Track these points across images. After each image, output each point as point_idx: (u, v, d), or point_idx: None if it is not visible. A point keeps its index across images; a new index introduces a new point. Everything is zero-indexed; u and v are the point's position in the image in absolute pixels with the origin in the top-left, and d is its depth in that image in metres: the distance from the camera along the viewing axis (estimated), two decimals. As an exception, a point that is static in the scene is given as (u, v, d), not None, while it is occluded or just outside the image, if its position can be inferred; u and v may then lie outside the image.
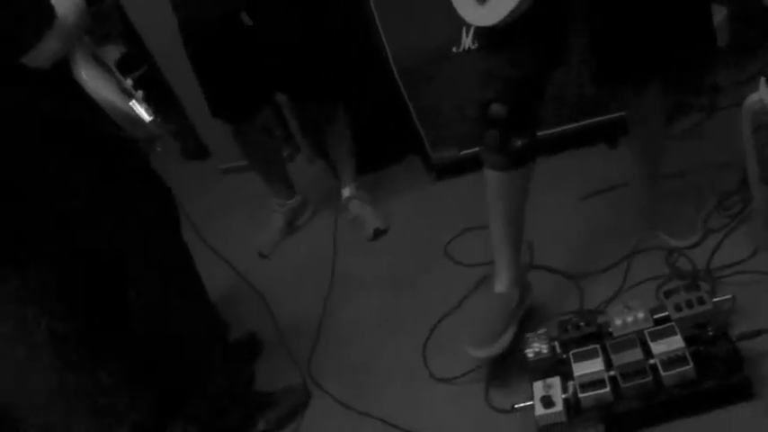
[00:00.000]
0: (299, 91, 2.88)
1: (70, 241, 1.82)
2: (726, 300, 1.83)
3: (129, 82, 1.82)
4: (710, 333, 1.70)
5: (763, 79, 1.75)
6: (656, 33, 1.84)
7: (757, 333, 1.70)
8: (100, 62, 1.76)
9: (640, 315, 1.83)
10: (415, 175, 3.13)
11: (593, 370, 1.74)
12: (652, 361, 1.70)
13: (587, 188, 2.55)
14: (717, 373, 1.66)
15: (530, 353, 1.87)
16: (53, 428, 2.05)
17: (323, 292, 2.67)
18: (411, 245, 2.74)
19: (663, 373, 1.68)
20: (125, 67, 1.83)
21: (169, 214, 2.05)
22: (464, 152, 2.83)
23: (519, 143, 1.85)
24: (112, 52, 1.83)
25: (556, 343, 1.89)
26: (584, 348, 1.80)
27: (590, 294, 2.14)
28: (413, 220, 2.89)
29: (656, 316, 1.83)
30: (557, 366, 1.83)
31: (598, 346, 1.79)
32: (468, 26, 2.61)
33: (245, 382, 2.28)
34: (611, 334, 1.84)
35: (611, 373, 1.72)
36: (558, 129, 2.75)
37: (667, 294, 1.88)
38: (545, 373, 1.81)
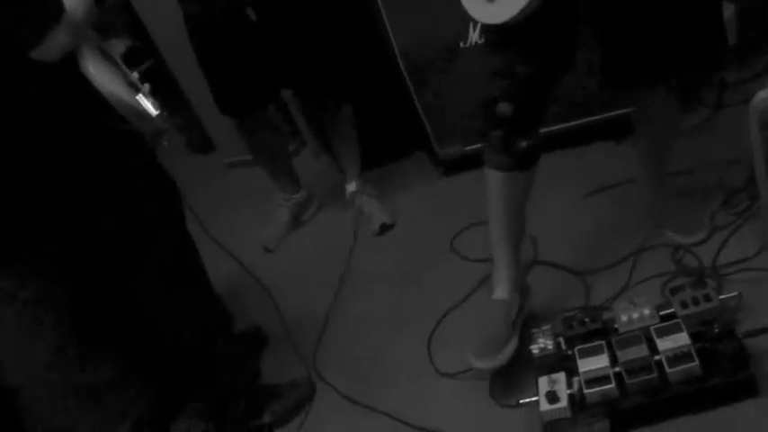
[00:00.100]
0: (304, 87, 2.88)
1: (72, 237, 1.83)
2: (732, 297, 1.82)
3: (135, 75, 1.82)
4: (716, 330, 1.70)
5: (770, 77, 1.74)
6: (666, 33, 1.83)
7: (763, 330, 1.70)
8: (106, 56, 1.76)
9: (646, 312, 1.83)
10: (421, 170, 3.13)
11: (598, 366, 1.73)
12: (657, 357, 1.70)
13: (592, 185, 2.54)
14: (722, 370, 1.66)
15: (535, 349, 1.87)
16: (58, 423, 2.06)
17: (328, 287, 2.68)
18: (417, 240, 2.74)
19: (668, 370, 1.68)
20: (131, 60, 1.83)
21: (174, 209, 2.05)
22: (470, 148, 2.83)
23: (524, 144, 1.84)
24: (118, 46, 1.83)
25: (561, 339, 1.88)
26: (590, 344, 1.80)
27: (595, 291, 2.14)
28: (419, 215, 2.89)
29: (662, 313, 1.82)
30: (562, 362, 1.83)
31: (603, 342, 1.79)
32: (476, 22, 2.60)
33: (250, 375, 2.28)
34: (616, 330, 1.83)
35: (617, 369, 1.72)
36: (564, 125, 2.74)
37: (673, 291, 1.87)
38: (550, 369, 1.81)
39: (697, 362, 1.66)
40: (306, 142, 3.63)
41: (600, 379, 1.72)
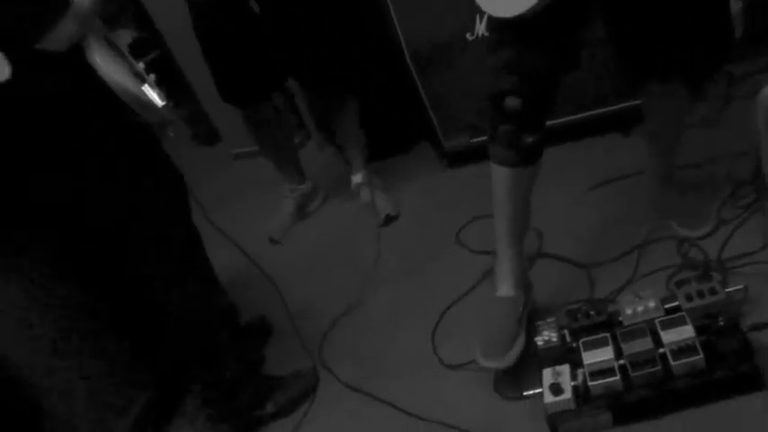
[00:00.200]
0: (307, 77, 2.87)
1: (74, 232, 1.84)
2: (737, 290, 1.82)
3: (141, 66, 1.83)
4: (721, 323, 1.70)
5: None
6: (674, 27, 1.83)
7: (768, 324, 1.70)
8: (113, 46, 1.77)
9: (651, 304, 1.83)
10: (426, 162, 3.13)
11: (602, 358, 1.73)
12: (662, 350, 1.70)
13: (599, 177, 2.54)
14: (727, 363, 1.65)
15: (539, 341, 1.87)
16: (62, 414, 2.07)
17: (333, 278, 2.68)
18: (422, 231, 2.74)
19: (672, 363, 1.67)
20: (137, 51, 1.84)
21: (180, 201, 2.06)
22: (476, 140, 2.82)
23: (530, 139, 1.84)
24: (125, 36, 1.84)
25: (565, 331, 1.88)
26: (594, 337, 1.80)
27: (600, 283, 2.13)
28: (424, 206, 2.89)
29: (666, 306, 1.82)
30: (566, 354, 1.83)
31: (608, 334, 1.79)
32: (483, 13, 2.59)
33: (254, 365, 2.29)
34: (621, 323, 1.83)
35: (621, 361, 1.72)
36: (570, 118, 2.73)
37: (679, 284, 1.87)
38: (554, 361, 1.81)
39: (701, 355, 1.66)
40: (311, 134, 3.64)
41: (604, 371, 1.72)
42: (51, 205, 1.76)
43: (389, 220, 2.87)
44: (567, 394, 1.72)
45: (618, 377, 1.70)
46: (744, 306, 1.81)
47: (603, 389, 1.71)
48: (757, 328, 1.70)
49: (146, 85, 1.77)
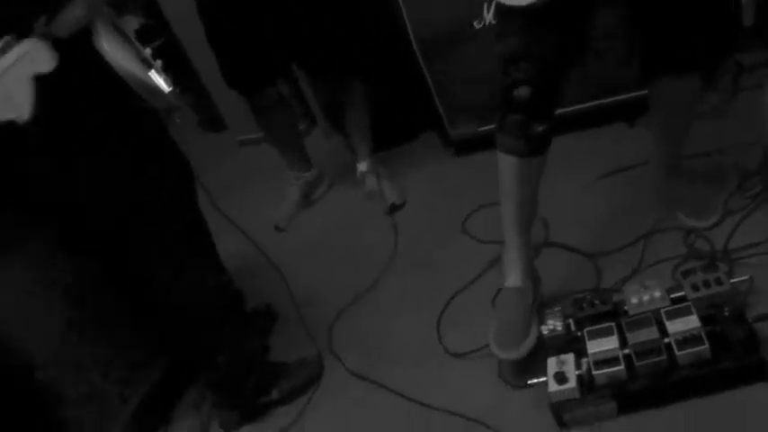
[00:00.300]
0: (314, 64, 2.87)
1: (79, 214, 1.84)
2: (743, 281, 1.82)
3: (148, 52, 1.82)
4: (727, 314, 1.70)
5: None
6: (685, 17, 1.82)
7: (774, 314, 1.70)
8: (120, 32, 1.76)
9: (657, 294, 1.83)
10: (432, 150, 3.12)
11: (607, 348, 1.74)
12: (667, 340, 1.70)
13: (605, 167, 2.53)
14: (732, 353, 1.66)
15: (544, 329, 1.87)
16: (69, 395, 2.08)
17: (338, 266, 2.69)
18: (428, 220, 2.74)
19: (678, 353, 1.67)
20: (144, 37, 1.83)
21: (186, 187, 2.06)
22: (483, 128, 2.82)
23: (540, 128, 1.83)
24: (132, 23, 1.83)
25: (571, 320, 1.89)
26: (599, 326, 1.80)
27: (606, 273, 2.13)
28: (430, 195, 2.88)
29: (672, 295, 1.82)
30: (571, 343, 1.83)
31: (613, 324, 1.79)
32: (491, 1, 2.59)
33: (260, 352, 2.30)
34: (626, 312, 1.83)
35: (626, 351, 1.72)
36: (577, 107, 2.72)
37: (685, 274, 1.87)
38: (559, 350, 1.81)
39: (707, 345, 1.66)
40: (317, 121, 3.63)
41: (609, 361, 1.72)
42: (55, 191, 1.77)
43: (395, 208, 2.87)
44: (572, 383, 1.72)
45: (622, 366, 1.71)
46: (749, 297, 1.81)
47: (608, 378, 1.71)
48: (763, 318, 1.70)
49: (152, 71, 1.77)
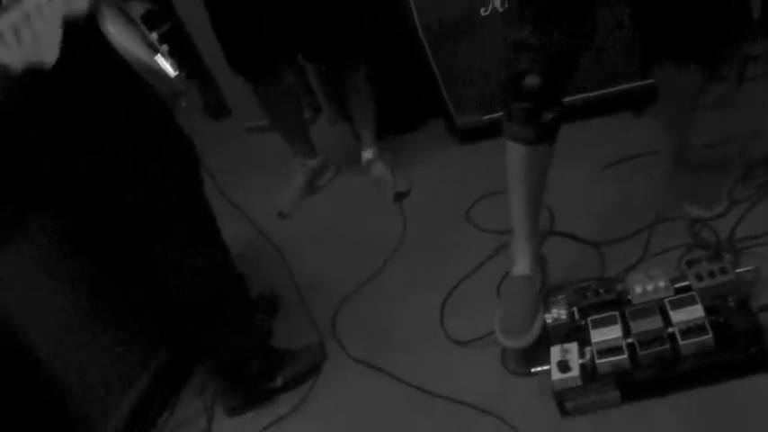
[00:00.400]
0: (319, 52, 2.86)
1: (85, 202, 1.85)
2: (748, 271, 1.81)
3: (154, 36, 1.82)
4: (731, 304, 1.70)
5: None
6: (694, 6, 1.81)
7: (778, 305, 1.69)
8: (126, 16, 1.76)
9: (661, 284, 1.82)
10: (438, 138, 3.12)
11: (611, 336, 1.74)
12: (671, 329, 1.70)
13: (611, 156, 2.52)
14: (736, 343, 1.65)
15: (548, 318, 1.88)
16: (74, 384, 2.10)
17: (342, 253, 2.69)
18: (433, 208, 2.74)
19: (681, 342, 1.67)
20: (150, 22, 1.83)
21: (192, 172, 2.06)
22: (488, 116, 2.81)
23: (549, 116, 1.83)
24: (138, 8, 1.83)
25: (574, 309, 1.89)
26: (603, 315, 1.80)
27: (611, 262, 2.13)
28: (435, 183, 2.88)
29: (677, 285, 1.82)
30: (574, 332, 1.83)
31: (617, 312, 1.79)
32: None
33: (264, 338, 2.30)
34: (630, 301, 1.83)
35: (629, 340, 1.72)
36: (584, 95, 2.71)
37: (689, 264, 1.86)
38: (562, 339, 1.82)
39: (710, 335, 1.66)
40: (322, 110, 3.62)
41: (612, 349, 1.72)
42: (62, 179, 1.77)
43: (400, 196, 2.87)
44: (575, 372, 1.72)
45: (626, 355, 1.70)
46: (754, 287, 1.81)
47: (611, 367, 1.71)
48: (767, 308, 1.69)
49: (158, 55, 1.76)
